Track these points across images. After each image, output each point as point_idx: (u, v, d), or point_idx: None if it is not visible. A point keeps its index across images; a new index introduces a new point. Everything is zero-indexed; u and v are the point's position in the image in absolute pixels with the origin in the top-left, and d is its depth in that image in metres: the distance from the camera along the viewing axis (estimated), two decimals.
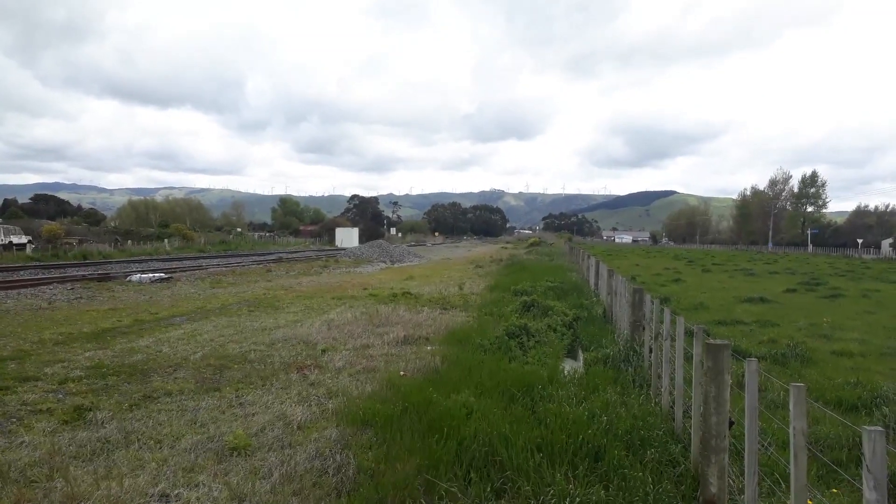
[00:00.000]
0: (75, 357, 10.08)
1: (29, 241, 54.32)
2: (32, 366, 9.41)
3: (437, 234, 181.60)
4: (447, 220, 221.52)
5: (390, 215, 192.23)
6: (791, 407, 3.57)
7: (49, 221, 77.25)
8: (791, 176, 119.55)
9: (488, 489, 4.84)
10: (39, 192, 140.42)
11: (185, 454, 5.75)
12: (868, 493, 2.86)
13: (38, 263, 36.33)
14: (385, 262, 46.24)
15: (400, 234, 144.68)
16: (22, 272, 29.85)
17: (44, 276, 26.59)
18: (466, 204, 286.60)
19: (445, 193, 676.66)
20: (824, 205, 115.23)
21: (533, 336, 11.64)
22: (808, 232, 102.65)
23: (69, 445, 5.96)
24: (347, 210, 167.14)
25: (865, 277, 33.50)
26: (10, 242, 51.36)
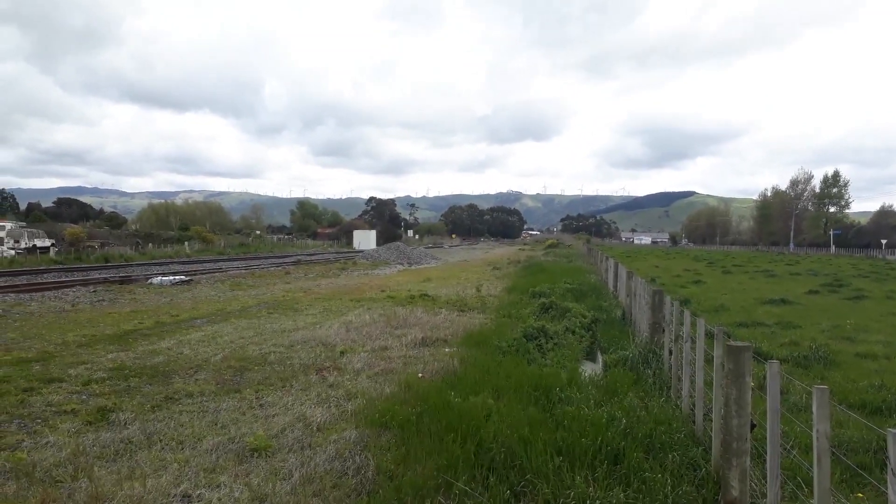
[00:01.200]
0: (98, 359, 10.22)
1: (52, 245, 55.26)
2: (56, 367, 9.56)
3: (454, 235, 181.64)
4: (464, 221, 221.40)
5: (407, 217, 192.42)
6: (814, 410, 3.54)
7: (71, 225, 78.49)
8: (812, 176, 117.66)
9: (507, 491, 4.83)
10: (62, 196, 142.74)
11: (207, 455, 5.81)
12: (893, 497, 2.82)
13: (61, 266, 36.89)
14: (402, 264, 46.34)
15: (417, 237, 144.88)
16: (45, 275, 30.34)
17: (67, 279, 27.01)
18: (484, 206, 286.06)
19: (462, 195, 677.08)
20: (847, 205, 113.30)
21: (551, 338, 11.57)
22: (831, 233, 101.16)
23: (93, 446, 6.05)
24: (365, 212, 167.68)
25: (889, 279, 32.96)
26: (34, 246, 52.30)
